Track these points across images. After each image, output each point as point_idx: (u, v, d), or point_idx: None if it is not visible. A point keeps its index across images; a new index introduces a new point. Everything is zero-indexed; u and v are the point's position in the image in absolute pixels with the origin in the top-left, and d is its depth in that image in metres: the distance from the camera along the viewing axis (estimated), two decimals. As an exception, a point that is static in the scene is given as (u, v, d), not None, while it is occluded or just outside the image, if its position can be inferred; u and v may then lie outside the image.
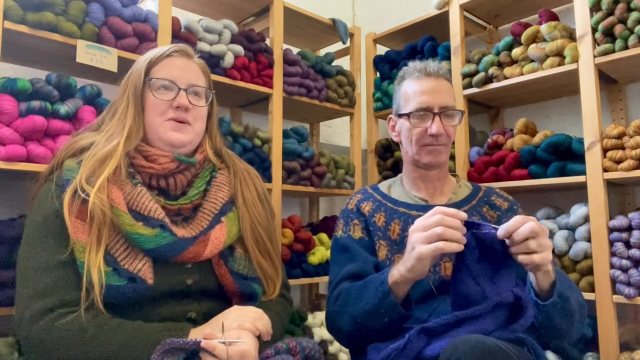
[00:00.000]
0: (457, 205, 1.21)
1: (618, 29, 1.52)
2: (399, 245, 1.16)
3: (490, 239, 0.91)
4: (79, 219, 0.90)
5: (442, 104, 1.18)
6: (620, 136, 1.52)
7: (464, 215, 0.91)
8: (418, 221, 0.95)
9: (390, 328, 1.00)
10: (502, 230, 0.89)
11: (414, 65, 1.25)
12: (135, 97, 1.03)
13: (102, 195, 0.91)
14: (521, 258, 0.88)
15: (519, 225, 0.88)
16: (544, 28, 1.70)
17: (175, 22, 1.64)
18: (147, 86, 1.03)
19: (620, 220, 1.50)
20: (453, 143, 1.92)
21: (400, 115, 1.24)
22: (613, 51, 1.54)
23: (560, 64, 1.67)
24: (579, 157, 1.61)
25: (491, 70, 1.85)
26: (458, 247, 0.89)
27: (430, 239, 0.89)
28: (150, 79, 1.03)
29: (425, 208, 1.20)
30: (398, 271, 0.97)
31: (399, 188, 1.29)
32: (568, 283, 1.01)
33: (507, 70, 1.81)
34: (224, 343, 0.79)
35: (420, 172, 1.25)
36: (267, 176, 1.82)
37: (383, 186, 1.32)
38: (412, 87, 1.21)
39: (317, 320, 1.90)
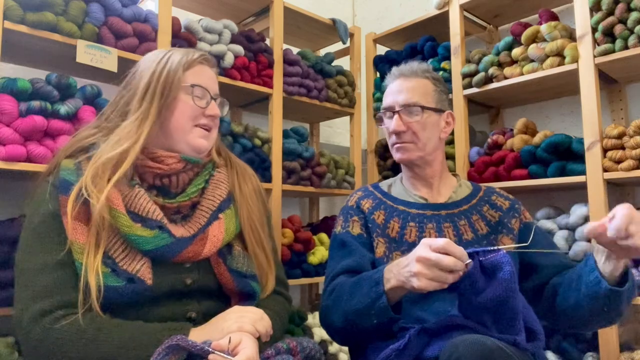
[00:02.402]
0: (457, 204, 1.22)
1: (618, 29, 1.52)
2: (397, 243, 1.16)
3: (496, 264, 0.87)
4: (78, 220, 0.90)
5: (403, 102, 1.21)
6: (620, 136, 1.52)
7: (466, 258, 0.89)
8: (425, 250, 0.88)
9: (379, 329, 1.00)
10: (613, 232, 0.85)
11: (393, 69, 1.29)
12: (163, 98, 1.00)
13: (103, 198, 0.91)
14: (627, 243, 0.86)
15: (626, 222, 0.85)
16: (544, 28, 1.70)
17: (175, 22, 1.64)
18: (180, 89, 1.02)
19: (620, 220, 1.50)
20: (452, 143, 1.95)
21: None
22: (613, 51, 1.54)
23: (560, 64, 1.67)
24: (579, 157, 1.61)
25: (491, 70, 1.85)
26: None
27: (436, 278, 0.87)
28: (194, 85, 1.03)
29: (425, 207, 1.21)
30: (396, 280, 0.95)
31: (399, 187, 1.30)
32: None
33: (507, 70, 1.81)
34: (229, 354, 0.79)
35: (411, 172, 1.27)
36: (267, 176, 1.82)
37: (384, 185, 1.32)
38: (386, 91, 1.28)
39: (317, 320, 1.90)
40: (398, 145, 1.23)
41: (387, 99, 1.25)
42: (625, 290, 0.94)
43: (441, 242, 0.87)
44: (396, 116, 1.20)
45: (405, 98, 1.21)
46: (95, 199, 0.89)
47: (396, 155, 1.24)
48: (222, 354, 0.78)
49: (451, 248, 0.87)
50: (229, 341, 0.81)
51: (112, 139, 0.97)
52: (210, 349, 0.78)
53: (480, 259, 0.88)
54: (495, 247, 0.89)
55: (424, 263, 0.87)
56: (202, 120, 1.04)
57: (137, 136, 0.97)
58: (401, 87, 1.23)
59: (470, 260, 0.88)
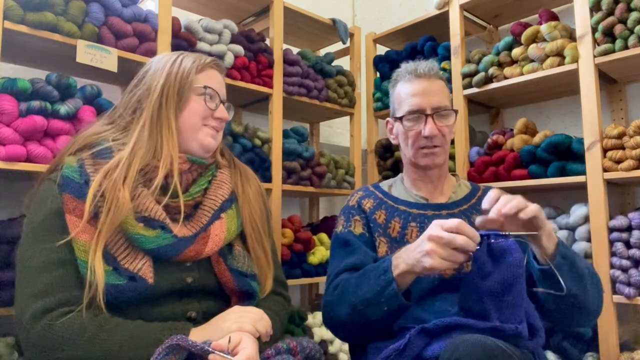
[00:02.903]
0: (457, 204, 1.22)
1: (618, 29, 1.52)
2: (398, 243, 1.16)
3: (506, 249, 0.89)
4: (81, 218, 0.90)
5: (434, 104, 1.18)
6: (620, 136, 1.52)
7: (478, 239, 0.91)
8: (437, 229, 0.90)
9: (388, 319, 1.00)
10: (493, 212, 0.91)
11: (405, 67, 1.25)
12: (178, 97, 1.03)
13: (127, 195, 0.92)
14: (521, 215, 0.90)
15: (495, 200, 0.91)
16: (544, 28, 1.70)
17: (175, 22, 1.64)
18: (192, 90, 1.05)
19: (620, 220, 1.50)
20: (453, 143, 1.95)
21: (395, 119, 1.25)
22: (613, 51, 1.54)
23: (560, 64, 1.67)
24: (579, 157, 1.61)
25: (491, 70, 1.85)
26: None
27: (448, 257, 0.89)
28: (206, 87, 1.06)
29: (426, 207, 1.21)
30: (405, 264, 0.95)
31: (400, 187, 1.29)
32: (573, 251, 1.02)
33: (507, 70, 1.81)
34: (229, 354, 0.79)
35: (420, 174, 1.25)
36: (267, 176, 1.82)
37: (384, 185, 1.32)
38: (404, 90, 1.22)
39: (317, 320, 1.90)
40: (428, 150, 1.19)
41: (413, 100, 1.19)
42: (555, 266, 0.93)
43: (454, 222, 0.89)
44: (430, 120, 1.17)
45: (437, 101, 1.18)
46: (120, 202, 0.90)
47: (424, 160, 1.20)
48: (222, 354, 0.78)
49: (464, 228, 0.89)
50: (229, 341, 0.81)
51: (131, 143, 0.99)
52: (211, 349, 0.78)
53: (492, 241, 0.89)
54: (507, 233, 0.90)
55: (437, 242, 0.89)
56: (211, 121, 1.07)
57: (154, 140, 1.00)
58: (428, 88, 1.19)
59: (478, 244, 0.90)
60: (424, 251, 0.90)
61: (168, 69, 1.04)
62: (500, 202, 0.92)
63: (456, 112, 1.24)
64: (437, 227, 0.90)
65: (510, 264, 0.87)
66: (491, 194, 0.95)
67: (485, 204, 0.94)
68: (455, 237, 0.88)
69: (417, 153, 1.21)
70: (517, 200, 0.91)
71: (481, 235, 0.90)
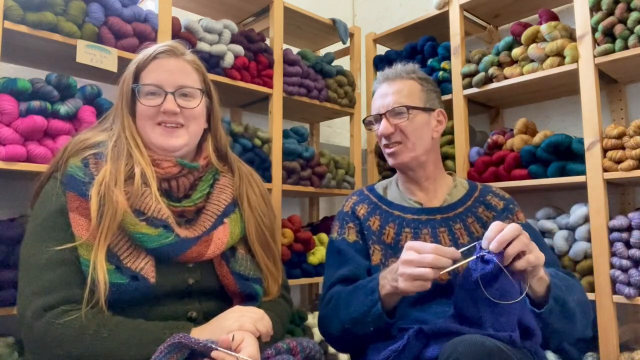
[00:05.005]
0: (452, 207, 1.21)
1: (618, 29, 1.52)
2: (393, 249, 1.16)
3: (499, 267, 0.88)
4: (85, 217, 0.90)
5: (388, 105, 1.22)
6: (620, 136, 1.52)
7: (457, 255, 0.92)
8: (410, 253, 0.92)
9: (376, 334, 1.01)
10: (484, 241, 0.89)
11: (378, 75, 1.31)
12: (127, 105, 1.03)
13: (121, 197, 0.92)
14: (517, 264, 0.87)
15: (497, 232, 0.87)
16: (544, 28, 1.70)
17: (175, 22, 1.65)
18: (139, 93, 1.03)
19: (620, 220, 1.50)
20: (452, 143, 1.95)
21: None
22: (613, 51, 1.54)
23: (560, 64, 1.67)
24: (579, 157, 1.61)
25: (491, 70, 1.85)
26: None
27: (417, 277, 0.91)
28: (137, 86, 1.03)
29: (420, 212, 1.20)
30: (390, 284, 0.97)
31: (395, 190, 1.29)
32: (565, 283, 1.00)
33: (507, 70, 1.81)
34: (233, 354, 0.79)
35: (405, 176, 1.27)
36: (267, 176, 1.82)
37: (379, 187, 1.32)
38: (374, 97, 1.30)
39: (317, 320, 1.90)
40: (389, 150, 1.23)
41: (375, 104, 1.27)
42: (546, 311, 0.93)
43: (429, 246, 0.91)
44: (383, 119, 1.22)
45: (391, 101, 1.22)
46: (114, 202, 0.90)
47: (390, 161, 1.25)
48: (226, 351, 0.78)
49: (440, 251, 0.90)
50: (232, 338, 0.81)
51: (109, 151, 0.99)
52: (214, 346, 0.79)
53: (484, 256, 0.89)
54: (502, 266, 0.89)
55: (409, 265, 0.91)
56: (160, 117, 1.02)
57: (124, 147, 1.00)
58: (386, 90, 1.24)
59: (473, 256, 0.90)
60: (399, 272, 0.93)
61: (122, 77, 1.06)
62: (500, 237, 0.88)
63: (409, 107, 1.20)
64: (409, 251, 0.93)
65: (507, 273, 0.87)
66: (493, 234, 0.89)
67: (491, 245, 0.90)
68: (424, 257, 0.90)
69: (386, 155, 1.26)
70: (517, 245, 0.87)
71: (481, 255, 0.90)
